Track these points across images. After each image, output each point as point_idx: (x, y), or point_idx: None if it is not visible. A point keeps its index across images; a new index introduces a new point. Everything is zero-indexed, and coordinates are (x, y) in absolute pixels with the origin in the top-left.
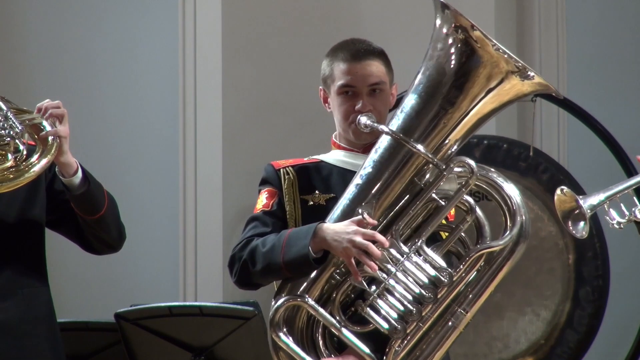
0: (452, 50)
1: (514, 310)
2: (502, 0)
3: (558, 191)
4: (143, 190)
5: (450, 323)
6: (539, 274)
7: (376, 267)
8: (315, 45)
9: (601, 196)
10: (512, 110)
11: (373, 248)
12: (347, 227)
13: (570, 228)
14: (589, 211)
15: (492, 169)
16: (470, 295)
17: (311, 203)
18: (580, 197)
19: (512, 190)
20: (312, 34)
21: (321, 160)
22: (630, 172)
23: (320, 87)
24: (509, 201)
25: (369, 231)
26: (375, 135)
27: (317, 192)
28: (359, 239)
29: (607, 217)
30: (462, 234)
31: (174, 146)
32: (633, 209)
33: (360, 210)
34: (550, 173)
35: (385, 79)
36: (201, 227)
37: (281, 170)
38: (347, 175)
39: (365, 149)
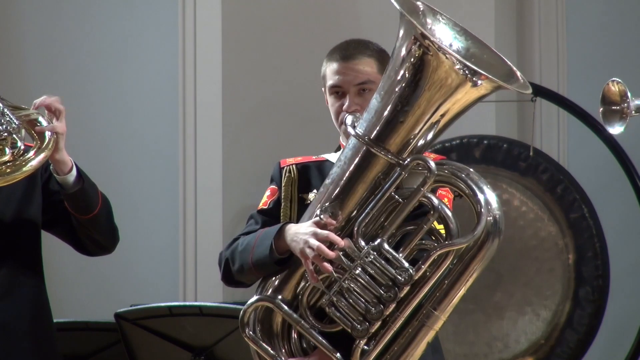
0: (407, 53)
1: (514, 310)
2: (502, 0)
3: (610, 81)
4: (143, 191)
5: (422, 322)
6: (538, 274)
7: (329, 268)
8: (315, 45)
9: None
10: (512, 110)
11: (325, 249)
12: (305, 228)
13: (603, 121)
14: (633, 112)
15: (466, 167)
16: (443, 295)
17: (308, 202)
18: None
19: (481, 187)
20: (312, 34)
21: (326, 159)
22: (630, 172)
23: (322, 87)
24: (475, 199)
25: (323, 232)
26: None
27: (315, 190)
28: (312, 240)
29: None
30: (438, 232)
31: (174, 146)
32: None
33: (318, 212)
34: (550, 173)
35: (376, 78)
36: (201, 227)
37: (285, 168)
38: None
39: None
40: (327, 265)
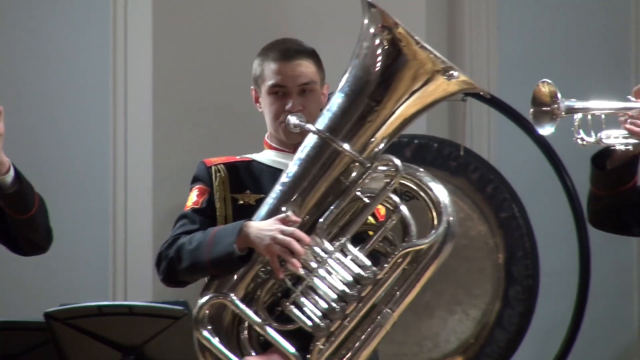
0: (378, 49)
1: (443, 309)
2: None
3: (540, 82)
4: (73, 190)
5: (376, 322)
6: (468, 273)
7: (298, 264)
8: (245, 45)
9: (583, 104)
10: (443, 109)
11: (295, 245)
12: (270, 225)
13: (534, 122)
14: (563, 113)
15: (421, 169)
16: (397, 295)
17: (241, 202)
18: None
19: (439, 189)
20: (242, 34)
21: (253, 159)
22: (560, 172)
23: (252, 87)
24: (435, 200)
25: (289, 228)
26: (305, 135)
27: (247, 191)
28: (280, 236)
29: (574, 130)
30: (390, 233)
31: (104, 145)
32: (599, 133)
33: (283, 209)
34: (480, 172)
35: (315, 78)
36: (131, 227)
37: (212, 167)
38: (277, 175)
39: (296, 149)
40: (296, 261)
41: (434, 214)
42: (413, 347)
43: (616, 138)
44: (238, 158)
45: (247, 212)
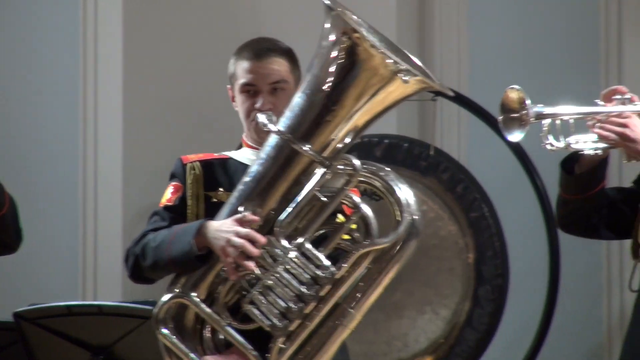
0: (335, 51)
1: (413, 309)
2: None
3: (508, 88)
4: (43, 189)
5: (338, 321)
6: (438, 273)
7: (251, 267)
8: (217, 44)
9: (551, 109)
10: (413, 109)
11: (249, 247)
12: (227, 226)
13: (503, 129)
14: (532, 119)
15: (387, 168)
16: (360, 294)
17: (214, 200)
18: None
19: (402, 188)
20: (215, 33)
21: (230, 157)
22: (530, 172)
23: (228, 85)
24: (397, 199)
25: (244, 230)
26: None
27: (221, 189)
28: (235, 238)
29: (543, 136)
30: (356, 233)
31: (74, 145)
32: (568, 138)
33: (241, 209)
34: (450, 172)
35: (288, 77)
36: (101, 226)
37: (188, 165)
38: None
39: None
40: (250, 263)
41: (397, 212)
42: (382, 346)
43: (585, 143)
44: (215, 155)
45: (220, 210)
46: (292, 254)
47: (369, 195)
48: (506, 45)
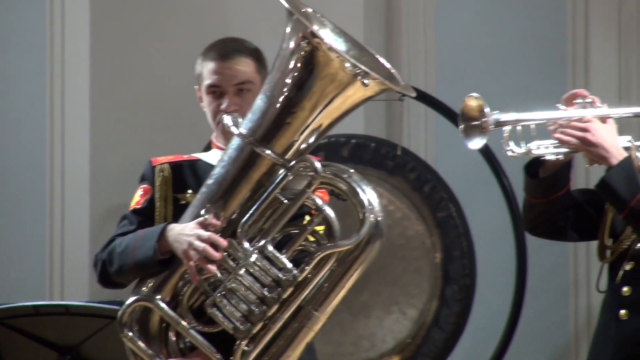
0: (295, 53)
1: (380, 309)
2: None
3: (467, 97)
4: (9, 189)
5: (301, 323)
6: (405, 273)
7: (214, 269)
8: (185, 44)
9: (511, 116)
10: (380, 109)
11: (211, 250)
12: (189, 230)
13: (464, 137)
14: (492, 126)
15: (350, 169)
16: (324, 296)
17: (183, 202)
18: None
19: (365, 189)
20: (183, 33)
21: (199, 159)
22: (497, 172)
23: (196, 86)
24: (360, 200)
25: (206, 233)
26: None
27: (189, 191)
28: (197, 241)
29: (503, 143)
30: (319, 235)
31: (41, 145)
32: (529, 144)
33: (202, 212)
34: (417, 172)
35: (254, 78)
36: (68, 226)
37: (157, 167)
38: None
39: None
40: (212, 267)
41: (360, 214)
42: (350, 346)
43: (546, 148)
44: (185, 157)
45: (184, 213)
46: (254, 257)
47: (336, 195)
48: (473, 45)
